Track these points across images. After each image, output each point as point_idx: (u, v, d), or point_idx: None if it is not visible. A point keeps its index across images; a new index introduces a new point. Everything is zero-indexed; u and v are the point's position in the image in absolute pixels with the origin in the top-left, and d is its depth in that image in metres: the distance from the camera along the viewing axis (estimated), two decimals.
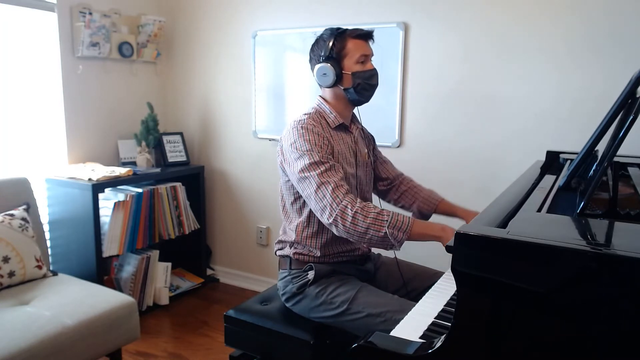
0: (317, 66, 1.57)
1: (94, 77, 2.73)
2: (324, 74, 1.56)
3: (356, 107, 1.69)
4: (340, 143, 1.60)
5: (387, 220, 1.38)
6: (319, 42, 1.60)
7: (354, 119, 1.73)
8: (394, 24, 2.39)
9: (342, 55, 1.55)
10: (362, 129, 1.77)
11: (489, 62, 2.22)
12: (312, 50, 1.63)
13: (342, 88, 1.58)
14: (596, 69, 2.03)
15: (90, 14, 2.56)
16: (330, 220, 1.41)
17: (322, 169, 1.45)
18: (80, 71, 2.65)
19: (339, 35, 1.56)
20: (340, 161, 1.57)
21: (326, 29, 1.60)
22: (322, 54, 1.57)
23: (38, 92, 2.52)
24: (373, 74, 1.59)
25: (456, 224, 1.13)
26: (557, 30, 2.07)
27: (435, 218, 1.82)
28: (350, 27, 1.60)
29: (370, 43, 1.60)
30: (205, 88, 3.06)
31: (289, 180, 1.58)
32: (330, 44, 1.55)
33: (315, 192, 1.44)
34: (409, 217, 1.40)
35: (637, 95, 1.08)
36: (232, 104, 2.98)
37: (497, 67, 2.21)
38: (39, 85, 2.52)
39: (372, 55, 1.60)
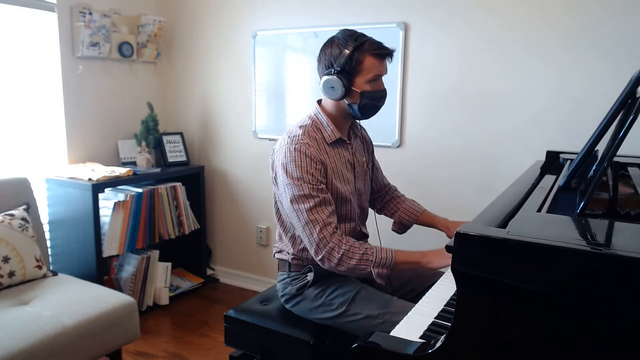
0: (326, 78, 1.48)
1: (94, 77, 2.73)
2: (332, 87, 1.47)
3: None
4: (336, 159, 1.54)
5: (371, 261, 1.41)
6: (332, 45, 1.48)
7: (352, 125, 1.67)
8: (394, 24, 2.39)
9: (356, 71, 1.45)
10: (362, 135, 1.73)
11: (489, 62, 2.22)
12: (323, 51, 1.51)
13: (347, 103, 1.51)
14: (596, 69, 2.03)
15: (90, 14, 2.56)
16: (318, 258, 1.44)
17: (311, 204, 1.42)
18: (80, 71, 2.65)
19: (356, 48, 1.44)
20: (333, 181, 1.51)
21: (344, 31, 1.49)
22: (335, 64, 1.46)
23: (38, 92, 2.52)
24: (382, 95, 1.51)
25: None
26: (556, 30, 2.07)
27: (417, 230, 1.84)
28: (369, 38, 1.48)
29: (387, 62, 1.51)
30: (205, 88, 3.06)
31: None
32: (346, 55, 1.44)
33: (303, 228, 1.45)
34: (392, 251, 1.42)
35: (637, 95, 1.08)
36: (232, 104, 2.98)
37: (497, 66, 2.21)
38: (39, 85, 2.52)
39: (386, 73, 1.51)
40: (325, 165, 1.50)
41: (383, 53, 1.47)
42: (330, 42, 1.50)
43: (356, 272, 1.43)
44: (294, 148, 1.46)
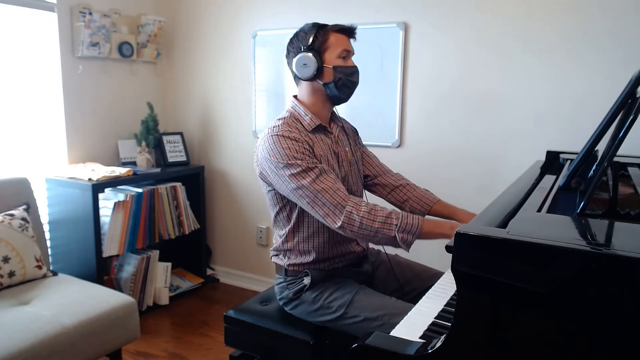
0: (297, 56, 1.51)
1: (94, 77, 2.73)
2: (304, 64, 1.49)
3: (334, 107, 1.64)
4: (320, 145, 1.53)
5: (396, 225, 1.36)
6: (299, 34, 1.55)
7: (333, 116, 1.66)
8: (394, 24, 2.39)
9: (324, 48, 1.50)
10: (344, 125, 1.70)
11: (489, 62, 2.22)
12: (290, 43, 1.57)
13: (322, 83, 1.52)
14: (595, 69, 2.03)
15: (90, 14, 2.56)
16: (337, 226, 1.40)
17: (312, 177, 1.41)
18: (80, 71, 2.65)
19: (320, 28, 1.52)
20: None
21: (306, 23, 1.56)
22: (302, 45, 1.51)
23: (38, 92, 2.52)
24: (354, 71, 1.54)
25: None
26: (556, 30, 2.07)
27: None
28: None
29: (352, 41, 1.56)
30: (205, 88, 3.06)
31: (271, 190, 1.54)
32: (312, 36, 1.50)
33: (314, 202, 1.41)
34: (418, 218, 1.38)
35: (637, 95, 1.08)
36: (232, 103, 2.98)
37: (497, 67, 2.21)
38: (39, 85, 2.52)
39: (354, 53, 1.56)
40: (312, 146, 1.49)
41: (345, 28, 1.54)
42: (295, 34, 1.57)
43: (379, 236, 1.37)
44: (276, 134, 1.46)
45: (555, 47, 2.09)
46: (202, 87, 3.07)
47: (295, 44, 1.55)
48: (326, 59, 1.51)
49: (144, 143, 2.82)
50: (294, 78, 1.59)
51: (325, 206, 1.40)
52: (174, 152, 3.01)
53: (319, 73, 1.51)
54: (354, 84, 1.56)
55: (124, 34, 2.77)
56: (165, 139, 2.98)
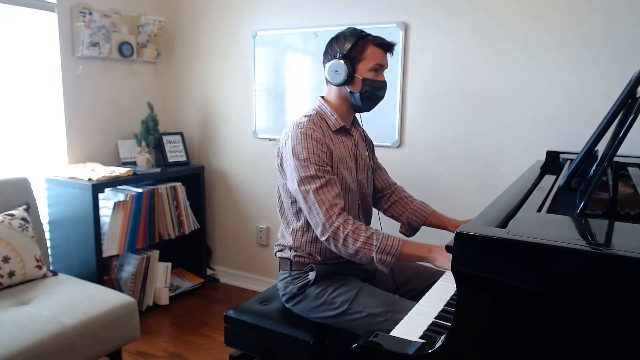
0: (331, 62, 1.56)
1: (94, 77, 2.73)
2: (336, 71, 1.55)
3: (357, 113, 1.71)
4: (340, 147, 1.59)
5: (376, 245, 1.39)
6: (339, 38, 1.58)
7: (354, 121, 1.73)
8: (394, 24, 2.39)
9: (359, 58, 1.55)
10: (363, 132, 1.77)
11: (489, 62, 2.22)
12: (330, 45, 1.61)
13: (349, 90, 1.58)
14: (596, 69, 2.03)
15: (90, 14, 2.56)
16: (323, 239, 1.45)
17: (317, 185, 1.45)
18: (80, 71, 2.65)
19: (361, 37, 1.55)
20: (339, 167, 1.56)
21: (349, 28, 1.59)
22: (339, 51, 1.55)
23: (38, 92, 2.52)
24: (382, 85, 1.59)
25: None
26: (555, 31, 2.07)
27: (425, 231, 1.82)
28: (372, 33, 1.59)
29: (388, 56, 1.60)
30: (205, 88, 3.06)
31: (286, 182, 1.58)
32: (351, 44, 1.54)
33: (310, 208, 1.46)
34: (399, 240, 1.41)
35: (637, 95, 1.08)
36: (232, 104, 2.98)
37: (498, 66, 2.21)
38: (39, 85, 2.52)
39: (387, 68, 1.61)
40: (331, 150, 1.54)
41: (385, 43, 1.57)
42: (337, 37, 1.59)
43: (360, 255, 1.42)
44: (300, 132, 1.51)
45: (553, 47, 2.09)
46: (202, 87, 3.07)
47: (334, 47, 1.58)
48: (358, 69, 1.55)
49: (144, 143, 2.82)
50: (326, 78, 1.63)
51: (319, 216, 1.45)
52: (174, 152, 3.01)
53: (348, 81, 1.56)
54: (379, 98, 1.61)
55: (124, 34, 2.77)
56: (165, 139, 2.98)
